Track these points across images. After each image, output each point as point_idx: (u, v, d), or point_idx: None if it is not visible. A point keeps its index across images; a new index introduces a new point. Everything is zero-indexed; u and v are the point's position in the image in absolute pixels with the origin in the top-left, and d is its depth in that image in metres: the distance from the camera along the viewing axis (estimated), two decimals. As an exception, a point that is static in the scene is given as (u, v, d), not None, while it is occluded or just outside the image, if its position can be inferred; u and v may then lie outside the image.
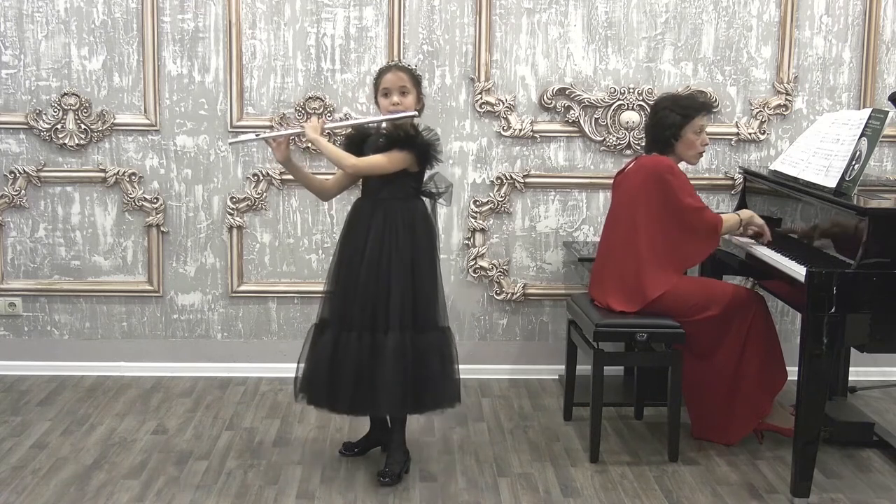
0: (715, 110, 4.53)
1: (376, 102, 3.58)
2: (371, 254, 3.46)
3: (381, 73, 3.57)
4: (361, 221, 3.52)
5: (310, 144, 4.44)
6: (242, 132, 4.50)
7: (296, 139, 4.46)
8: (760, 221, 3.94)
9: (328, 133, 3.59)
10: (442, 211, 4.27)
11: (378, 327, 3.44)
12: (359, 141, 3.57)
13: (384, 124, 3.55)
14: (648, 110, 4.12)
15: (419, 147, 3.45)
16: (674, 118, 3.84)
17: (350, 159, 3.47)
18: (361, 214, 3.53)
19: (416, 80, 3.55)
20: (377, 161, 3.46)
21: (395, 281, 3.44)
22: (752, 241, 3.96)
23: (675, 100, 3.92)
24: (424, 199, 3.57)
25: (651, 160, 3.86)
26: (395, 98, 3.49)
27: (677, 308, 3.77)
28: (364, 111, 4.48)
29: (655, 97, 4.21)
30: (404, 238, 3.47)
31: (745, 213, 3.97)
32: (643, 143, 4.21)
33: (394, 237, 3.46)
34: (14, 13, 4.45)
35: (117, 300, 4.64)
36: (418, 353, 3.47)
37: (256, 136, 3.64)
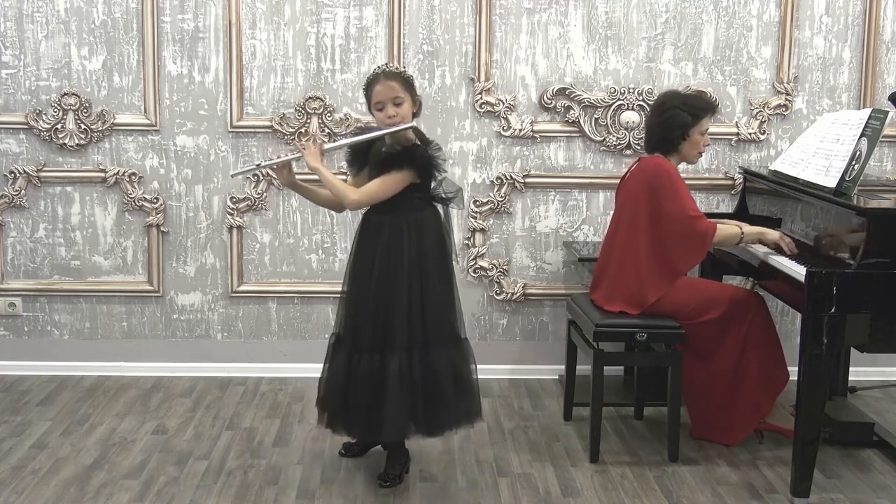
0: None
1: (370, 112, 3.48)
2: (381, 270, 3.39)
3: (371, 84, 3.41)
4: (371, 235, 3.44)
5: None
6: (242, 131, 4.54)
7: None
8: (772, 238, 3.76)
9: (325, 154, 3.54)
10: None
11: (385, 347, 3.37)
12: (363, 149, 3.49)
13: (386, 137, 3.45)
14: (651, 108, 4.01)
15: (418, 162, 3.36)
16: (684, 118, 3.80)
17: (353, 195, 3.38)
18: (370, 227, 3.45)
19: (408, 84, 3.42)
20: (378, 191, 3.36)
21: (402, 297, 3.37)
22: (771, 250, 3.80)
23: (684, 99, 3.87)
24: (437, 205, 3.48)
25: (652, 163, 3.83)
26: (391, 111, 3.36)
27: (677, 312, 3.76)
28: (363, 111, 4.48)
29: (657, 95, 4.14)
30: (412, 249, 3.38)
31: (751, 231, 3.82)
32: (643, 143, 4.16)
33: (401, 251, 3.38)
34: (14, 13, 4.45)
35: (117, 300, 4.64)
36: (428, 373, 3.38)
37: (257, 166, 3.60)
